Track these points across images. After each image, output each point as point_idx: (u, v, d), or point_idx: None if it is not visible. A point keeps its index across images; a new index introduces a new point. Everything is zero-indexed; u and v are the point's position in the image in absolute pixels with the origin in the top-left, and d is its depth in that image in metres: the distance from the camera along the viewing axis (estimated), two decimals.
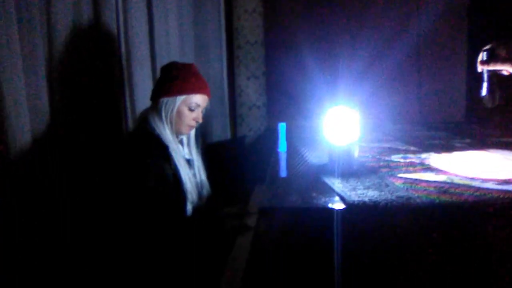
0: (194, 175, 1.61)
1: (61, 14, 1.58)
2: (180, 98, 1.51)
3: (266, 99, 3.09)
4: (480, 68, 1.27)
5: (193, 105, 1.52)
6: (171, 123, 1.51)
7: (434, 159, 1.50)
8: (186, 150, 1.63)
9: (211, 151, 1.90)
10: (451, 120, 2.78)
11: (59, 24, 1.58)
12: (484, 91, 1.30)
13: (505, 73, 1.25)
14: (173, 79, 1.52)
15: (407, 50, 2.63)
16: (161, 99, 1.51)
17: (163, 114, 1.50)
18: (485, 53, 1.24)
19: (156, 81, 1.63)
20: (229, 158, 2.58)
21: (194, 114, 1.53)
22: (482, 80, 1.30)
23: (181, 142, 1.61)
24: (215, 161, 1.79)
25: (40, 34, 1.49)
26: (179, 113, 1.51)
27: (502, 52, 1.21)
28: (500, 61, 1.22)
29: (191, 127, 1.56)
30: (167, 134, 1.50)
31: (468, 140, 1.90)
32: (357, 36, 2.74)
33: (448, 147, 1.73)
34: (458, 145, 1.78)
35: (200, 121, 1.56)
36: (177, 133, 1.55)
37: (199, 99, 1.53)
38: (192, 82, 1.53)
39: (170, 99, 1.50)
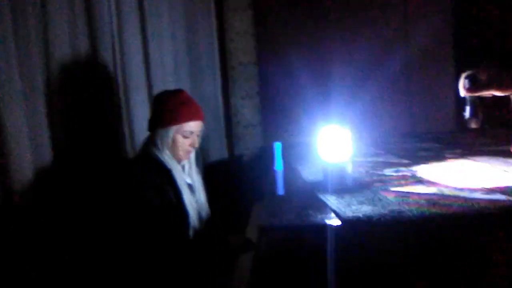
0: (197, 201, 1.64)
1: (58, 45, 1.63)
2: (173, 129, 1.56)
3: (261, 118, 3.15)
4: (464, 94, 1.31)
5: (186, 133, 1.57)
6: (168, 151, 1.57)
7: (425, 171, 1.55)
8: (187, 175, 1.67)
9: (209, 172, 1.94)
10: (442, 130, 2.85)
11: (56, 55, 1.62)
12: (467, 114, 1.34)
13: (489, 95, 1.30)
14: (163, 111, 1.58)
15: (397, 68, 2.74)
16: (156, 131, 1.57)
17: (159, 144, 1.56)
18: (467, 80, 1.28)
19: (151, 110, 1.67)
20: (227, 178, 2.62)
21: (189, 141, 1.58)
22: (465, 103, 1.34)
23: (183, 167, 1.65)
24: (213, 182, 1.83)
25: (39, 64, 1.53)
26: (174, 142, 1.57)
27: (483, 77, 1.25)
28: (484, 87, 1.25)
29: (188, 152, 1.61)
30: (167, 160, 1.55)
31: (458, 151, 1.96)
32: (350, 54, 2.84)
33: (438, 159, 1.78)
34: (449, 156, 1.84)
35: (196, 145, 1.61)
36: (177, 160, 1.60)
37: (192, 126, 1.59)
38: (182, 111, 1.58)
39: (163, 130, 1.56)
